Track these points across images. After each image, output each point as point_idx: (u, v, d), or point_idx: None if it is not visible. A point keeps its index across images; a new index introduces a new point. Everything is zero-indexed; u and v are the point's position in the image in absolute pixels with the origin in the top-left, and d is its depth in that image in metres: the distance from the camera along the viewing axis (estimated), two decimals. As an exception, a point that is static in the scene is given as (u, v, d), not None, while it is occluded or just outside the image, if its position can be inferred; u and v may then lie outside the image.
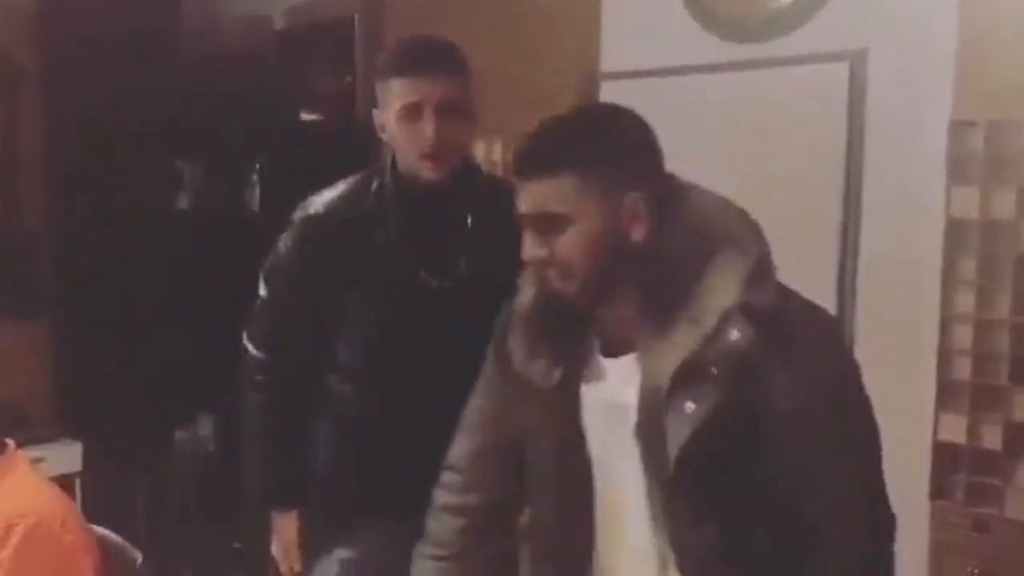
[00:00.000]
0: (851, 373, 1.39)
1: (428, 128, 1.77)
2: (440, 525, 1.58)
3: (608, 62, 2.89)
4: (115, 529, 1.94)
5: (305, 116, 3.84)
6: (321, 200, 1.97)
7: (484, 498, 1.56)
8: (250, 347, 2.10)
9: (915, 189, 2.29)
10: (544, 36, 3.02)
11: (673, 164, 2.72)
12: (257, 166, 3.90)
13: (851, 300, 2.40)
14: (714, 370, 1.25)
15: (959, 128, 2.18)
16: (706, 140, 2.59)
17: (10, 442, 1.81)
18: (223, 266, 3.80)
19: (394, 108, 1.81)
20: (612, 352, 1.39)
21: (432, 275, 1.87)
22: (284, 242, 1.99)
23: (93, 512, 1.86)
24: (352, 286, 1.91)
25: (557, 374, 1.39)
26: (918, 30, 2.27)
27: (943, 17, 2.20)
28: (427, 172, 1.82)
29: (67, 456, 3.62)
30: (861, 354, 2.37)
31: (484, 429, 1.56)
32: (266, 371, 2.07)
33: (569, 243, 1.30)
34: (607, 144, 1.32)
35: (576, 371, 1.39)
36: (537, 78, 3.01)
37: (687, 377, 1.26)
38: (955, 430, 2.21)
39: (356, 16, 3.61)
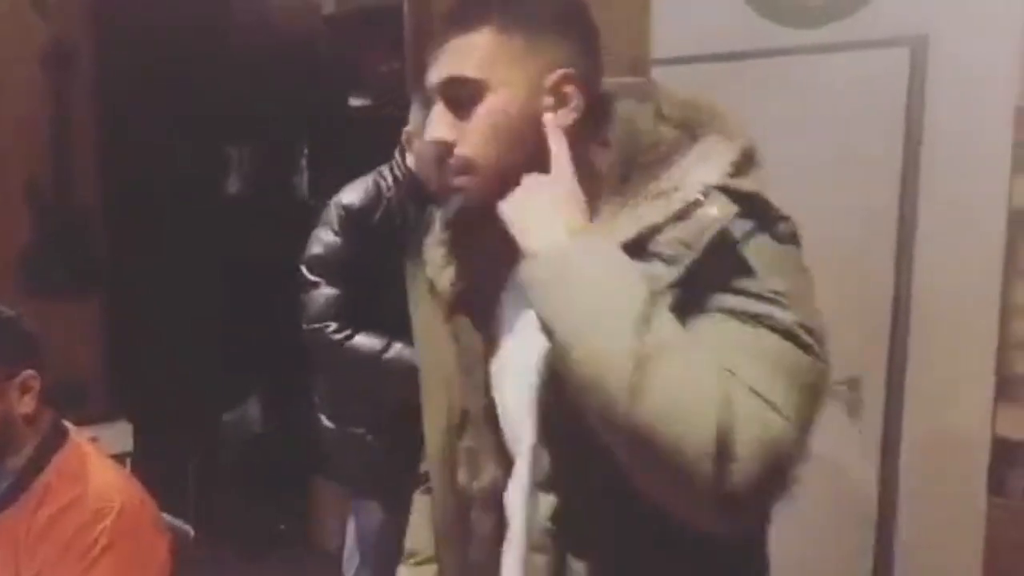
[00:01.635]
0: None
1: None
2: None
3: (659, 47, 2.85)
4: (165, 509, 1.96)
5: (354, 102, 3.85)
6: (354, 192, 2.41)
7: None
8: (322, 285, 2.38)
9: (976, 178, 2.23)
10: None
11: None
12: (306, 151, 3.93)
13: (908, 290, 2.35)
14: (668, 251, 1.06)
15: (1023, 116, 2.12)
16: (760, 127, 2.54)
17: (70, 426, 1.83)
18: (273, 250, 3.83)
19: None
20: None
21: None
22: (328, 230, 2.39)
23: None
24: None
25: (464, 285, 1.24)
26: (981, 15, 2.21)
27: (1008, 1, 2.14)
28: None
29: (119, 436, 3.68)
30: (919, 345, 2.34)
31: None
32: (354, 312, 2.36)
33: (481, 118, 1.11)
34: (527, 4, 1.14)
35: (499, 280, 1.19)
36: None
37: (635, 254, 1.06)
38: (1015, 425, 2.16)
39: (406, 1, 3.60)
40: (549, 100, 1.12)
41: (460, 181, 1.14)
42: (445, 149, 1.14)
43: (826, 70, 2.45)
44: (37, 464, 1.71)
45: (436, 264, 1.29)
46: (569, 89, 1.13)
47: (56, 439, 1.76)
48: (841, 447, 2.48)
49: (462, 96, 1.12)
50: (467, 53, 1.11)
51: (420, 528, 1.49)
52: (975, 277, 2.23)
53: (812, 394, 1.05)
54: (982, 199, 2.21)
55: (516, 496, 1.20)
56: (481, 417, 1.24)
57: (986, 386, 2.20)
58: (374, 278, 2.24)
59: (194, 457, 4.03)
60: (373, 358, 2.31)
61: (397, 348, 2.30)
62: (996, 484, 2.19)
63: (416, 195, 2.34)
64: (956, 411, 2.29)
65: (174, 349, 3.88)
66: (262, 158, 4.12)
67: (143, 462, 3.72)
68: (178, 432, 3.91)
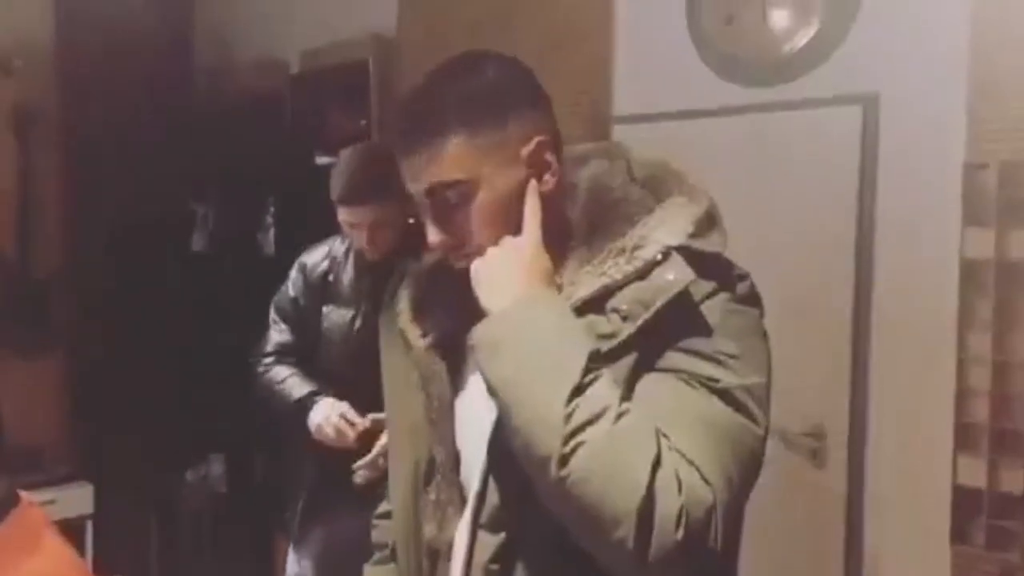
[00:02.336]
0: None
1: (362, 240, 2.46)
2: None
3: (620, 106, 2.91)
4: (126, 571, 1.90)
5: (320, 159, 3.87)
6: (311, 252, 2.70)
7: None
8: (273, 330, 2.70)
9: (929, 231, 2.29)
10: (556, 81, 3.02)
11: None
12: (272, 209, 3.93)
13: (866, 342, 2.39)
14: (624, 307, 1.09)
15: (972, 170, 2.19)
16: (717, 184, 2.58)
17: (24, 495, 1.75)
18: (237, 308, 3.81)
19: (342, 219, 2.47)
20: None
21: (371, 307, 2.49)
22: (287, 282, 2.70)
23: (105, 554, 1.83)
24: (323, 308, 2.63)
25: (435, 335, 1.26)
26: (930, 74, 2.28)
27: (954, 61, 2.22)
28: (367, 256, 2.51)
29: (79, 498, 3.61)
30: (879, 396, 2.38)
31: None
32: (290, 351, 2.66)
33: (476, 213, 1.14)
34: (485, 90, 1.16)
35: (468, 330, 1.17)
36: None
37: (586, 312, 1.11)
38: (974, 474, 2.18)
39: (370, 60, 3.65)
40: (529, 170, 1.16)
41: (466, 262, 1.18)
42: (449, 245, 1.18)
43: (781, 128, 2.51)
44: None
45: (409, 314, 1.31)
46: (547, 156, 1.17)
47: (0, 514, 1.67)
48: (806, 496, 2.50)
49: (451, 196, 1.15)
50: (442, 160, 1.14)
51: None
52: (931, 327, 2.27)
53: (748, 460, 1.07)
54: (936, 250, 2.26)
55: (461, 536, 1.22)
56: (448, 467, 1.25)
57: (946, 435, 2.24)
58: (313, 324, 2.62)
59: (156, 517, 3.96)
60: (269, 389, 2.61)
61: (289, 382, 2.58)
62: (958, 533, 2.21)
63: (357, 260, 2.59)
64: (917, 460, 2.32)
65: (136, 408, 3.83)
66: (228, 216, 4.11)
67: (104, 523, 3.66)
68: (140, 492, 3.85)
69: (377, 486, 2.30)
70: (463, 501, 1.24)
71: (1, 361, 3.52)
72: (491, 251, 1.15)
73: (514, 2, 3.13)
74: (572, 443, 0.99)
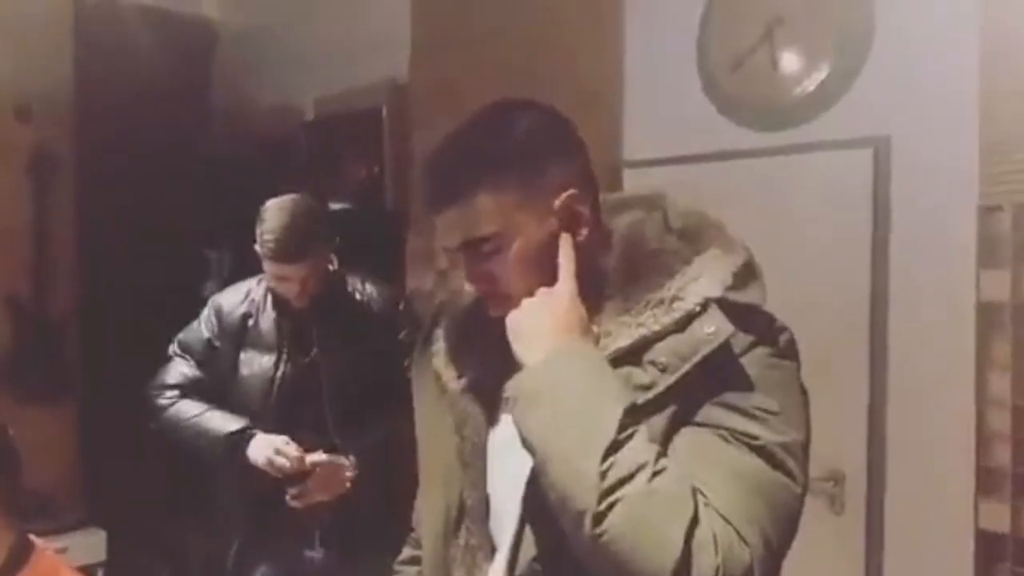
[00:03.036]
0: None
1: (292, 291, 2.48)
2: None
3: (631, 150, 2.92)
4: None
5: (334, 205, 3.88)
6: (227, 293, 2.70)
7: None
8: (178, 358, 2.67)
9: (943, 274, 2.27)
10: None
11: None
12: (285, 254, 3.94)
13: (883, 385, 2.37)
14: (663, 359, 1.09)
15: (986, 212, 2.18)
16: (729, 228, 2.59)
17: (38, 541, 1.75)
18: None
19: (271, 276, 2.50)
20: None
21: (294, 352, 2.54)
22: (198, 320, 2.67)
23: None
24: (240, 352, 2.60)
25: (469, 378, 1.25)
26: (941, 116, 2.28)
27: (966, 103, 2.22)
28: (293, 304, 2.52)
29: (91, 545, 3.60)
30: (897, 440, 2.35)
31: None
32: (197, 388, 2.61)
33: (509, 267, 1.15)
34: (515, 144, 1.16)
35: (505, 375, 1.16)
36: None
37: (623, 363, 1.10)
38: (997, 519, 2.15)
39: (384, 107, 3.68)
40: (561, 221, 1.16)
41: (500, 310, 1.18)
42: (483, 293, 1.20)
43: (792, 172, 2.51)
44: None
45: (444, 355, 1.31)
46: (579, 208, 1.17)
47: (17, 560, 1.66)
48: (824, 543, 2.46)
49: (484, 249, 1.16)
50: (473, 215, 1.14)
51: None
52: (949, 370, 2.25)
53: (785, 518, 1.06)
54: (951, 293, 2.25)
55: None
56: (478, 512, 1.24)
57: (967, 479, 2.20)
58: (226, 368, 2.60)
59: (168, 564, 3.93)
60: (179, 422, 2.56)
61: (211, 416, 2.53)
62: (982, 579, 2.17)
63: (278, 304, 2.59)
64: (938, 505, 2.29)
65: (148, 454, 3.81)
66: (241, 262, 4.13)
67: (116, 570, 3.63)
68: (152, 538, 3.82)
69: (310, 508, 2.46)
70: (493, 548, 1.23)
71: (13, 406, 3.53)
72: (526, 302, 1.15)
73: (525, 49, 3.15)
74: (608, 500, 0.98)
